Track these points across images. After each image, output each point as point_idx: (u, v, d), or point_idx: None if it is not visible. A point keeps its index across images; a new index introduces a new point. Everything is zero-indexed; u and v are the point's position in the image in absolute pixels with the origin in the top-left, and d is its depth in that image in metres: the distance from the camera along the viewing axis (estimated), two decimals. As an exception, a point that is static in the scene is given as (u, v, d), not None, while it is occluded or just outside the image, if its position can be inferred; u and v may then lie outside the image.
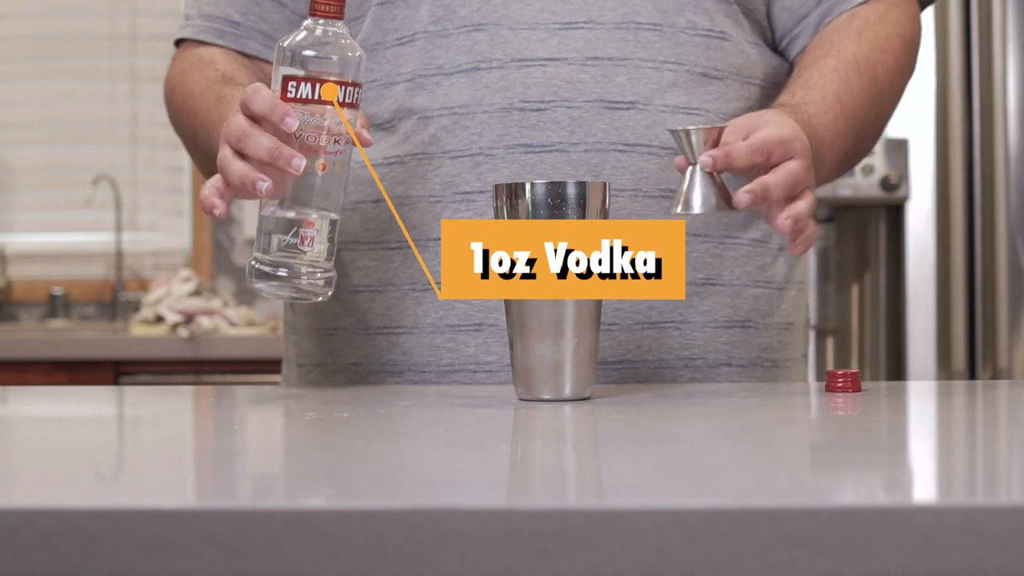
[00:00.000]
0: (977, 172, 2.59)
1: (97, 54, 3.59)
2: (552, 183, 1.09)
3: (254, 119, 1.13)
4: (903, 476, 0.78)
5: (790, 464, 0.83)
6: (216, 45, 1.39)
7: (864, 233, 2.71)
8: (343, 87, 1.13)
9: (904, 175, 2.57)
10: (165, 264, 3.57)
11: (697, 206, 1.13)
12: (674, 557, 0.62)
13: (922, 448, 0.92)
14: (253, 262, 1.17)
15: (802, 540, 0.62)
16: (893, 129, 2.58)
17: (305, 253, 1.15)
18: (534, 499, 0.70)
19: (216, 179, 1.16)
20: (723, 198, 1.13)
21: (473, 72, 1.29)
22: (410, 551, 0.63)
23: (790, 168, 1.13)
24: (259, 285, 1.17)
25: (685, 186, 1.13)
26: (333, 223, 1.16)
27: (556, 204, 1.08)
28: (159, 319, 3.03)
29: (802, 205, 1.14)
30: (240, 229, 3.51)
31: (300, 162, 1.12)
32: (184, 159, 3.51)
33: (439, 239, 1.29)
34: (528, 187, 1.09)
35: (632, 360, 1.28)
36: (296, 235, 1.15)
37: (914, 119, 2.59)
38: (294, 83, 1.13)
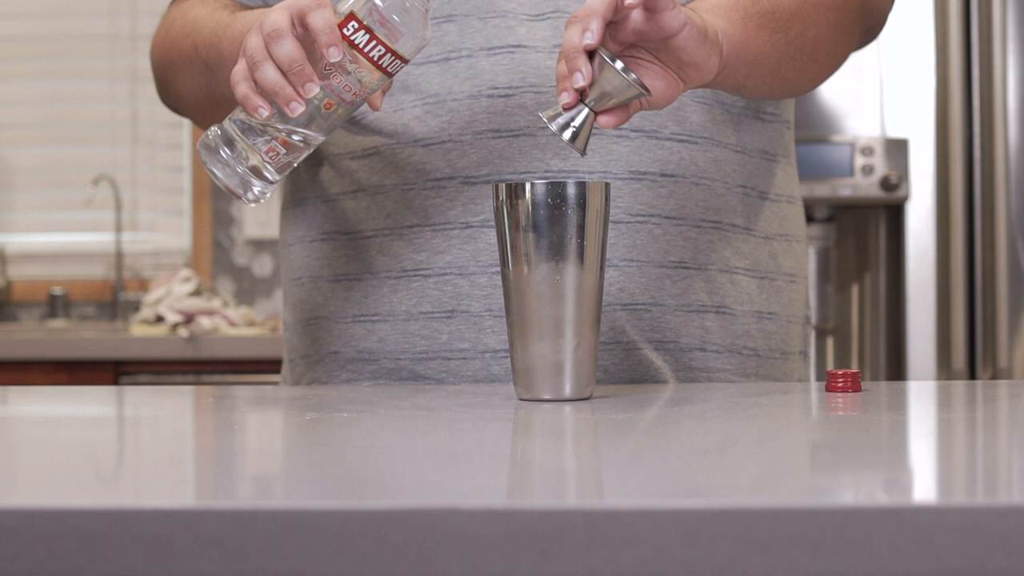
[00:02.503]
0: (977, 172, 2.59)
1: (97, 54, 3.59)
2: (552, 183, 1.09)
3: (303, 28, 1.12)
4: (903, 476, 0.78)
5: (790, 464, 0.83)
6: None
7: (864, 233, 2.71)
8: (394, 58, 1.13)
9: (904, 175, 2.57)
10: (165, 264, 3.57)
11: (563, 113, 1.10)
12: (674, 557, 0.62)
13: (922, 448, 0.92)
14: (215, 129, 1.16)
15: (802, 540, 0.62)
16: (893, 129, 2.58)
17: (263, 161, 1.15)
18: (534, 499, 0.70)
19: (246, 71, 1.14)
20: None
21: (444, 63, 1.31)
22: (410, 551, 0.63)
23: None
24: (203, 155, 1.16)
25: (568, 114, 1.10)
26: (302, 150, 1.16)
27: (556, 204, 1.08)
28: (159, 319, 3.03)
29: None
30: (240, 229, 3.51)
31: (299, 107, 1.12)
32: (184, 159, 3.51)
33: (412, 226, 1.30)
34: (528, 187, 1.09)
35: (605, 342, 1.28)
36: (266, 142, 1.15)
37: (914, 119, 2.59)
38: (355, 24, 1.11)
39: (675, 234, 1.30)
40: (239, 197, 1.17)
